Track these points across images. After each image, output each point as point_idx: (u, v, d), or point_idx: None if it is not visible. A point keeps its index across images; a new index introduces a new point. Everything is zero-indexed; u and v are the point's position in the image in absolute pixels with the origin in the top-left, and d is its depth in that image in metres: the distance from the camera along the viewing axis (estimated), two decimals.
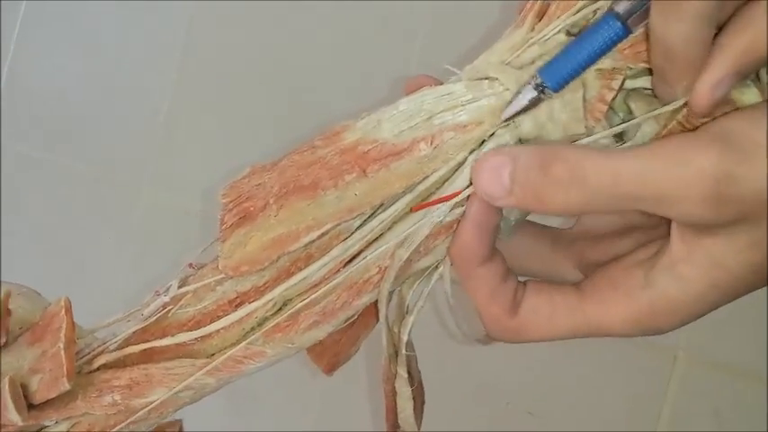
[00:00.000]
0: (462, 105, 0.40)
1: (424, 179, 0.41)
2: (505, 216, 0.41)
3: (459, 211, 0.41)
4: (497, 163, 0.38)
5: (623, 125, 0.38)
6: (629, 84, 0.38)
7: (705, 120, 0.36)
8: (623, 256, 0.39)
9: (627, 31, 0.36)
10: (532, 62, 0.39)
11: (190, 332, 0.44)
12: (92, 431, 0.46)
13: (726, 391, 0.75)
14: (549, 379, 0.82)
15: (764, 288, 0.37)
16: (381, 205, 0.41)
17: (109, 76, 0.92)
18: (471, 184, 0.39)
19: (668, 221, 0.37)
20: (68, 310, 0.45)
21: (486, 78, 0.40)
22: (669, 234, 0.37)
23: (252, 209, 0.42)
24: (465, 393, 0.80)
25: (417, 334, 0.44)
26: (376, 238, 0.42)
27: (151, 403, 0.45)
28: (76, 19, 0.91)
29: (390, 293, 0.43)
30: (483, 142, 0.40)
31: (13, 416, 0.44)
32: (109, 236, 0.89)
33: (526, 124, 0.39)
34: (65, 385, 0.43)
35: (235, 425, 0.87)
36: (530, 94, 0.38)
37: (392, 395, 0.45)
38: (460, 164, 0.40)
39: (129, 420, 0.45)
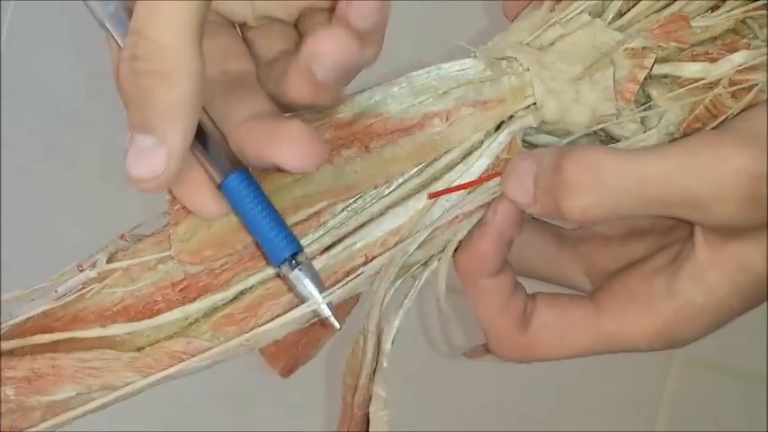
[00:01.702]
0: (482, 82, 0.36)
1: (435, 160, 0.36)
2: None
3: (469, 201, 0.36)
4: (524, 168, 0.35)
5: (653, 112, 0.36)
6: (655, 69, 0.36)
7: (736, 104, 0.35)
8: (638, 263, 0.36)
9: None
10: (552, 43, 0.37)
11: (128, 323, 0.35)
12: None
13: (724, 393, 0.73)
14: (543, 382, 0.76)
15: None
16: (384, 184, 0.36)
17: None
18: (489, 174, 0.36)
19: (684, 225, 0.35)
20: None
21: (503, 58, 0.37)
22: (686, 238, 0.35)
23: None
24: (458, 397, 0.72)
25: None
26: (363, 224, 0.37)
27: (54, 403, 0.35)
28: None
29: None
30: (501, 125, 0.37)
31: None
32: None
33: (550, 106, 0.36)
34: None
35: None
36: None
37: (362, 422, 0.39)
38: (475, 147, 0.36)
39: (18, 424, 0.35)
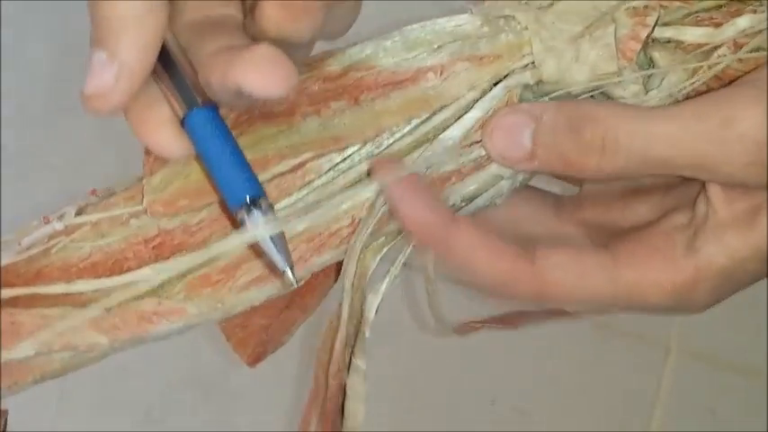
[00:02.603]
0: (478, 38, 0.35)
1: (429, 118, 0.34)
2: (508, 177, 0.35)
3: (462, 160, 0.34)
4: (516, 122, 0.34)
5: (655, 71, 0.35)
6: (658, 32, 0.35)
7: (741, 68, 0.34)
8: (654, 222, 0.34)
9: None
10: (552, 3, 0.35)
11: (95, 280, 0.33)
12: None
13: (722, 388, 0.70)
14: (536, 374, 0.73)
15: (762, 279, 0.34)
16: (374, 139, 0.34)
17: None
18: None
19: (693, 183, 0.34)
20: None
21: (501, 17, 0.35)
22: (695, 196, 0.34)
23: None
24: (447, 390, 0.69)
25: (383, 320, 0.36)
26: (350, 184, 0.35)
27: (11, 362, 0.32)
28: None
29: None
30: (497, 84, 0.35)
31: None
32: None
33: (549, 64, 0.34)
34: None
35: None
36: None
37: (337, 395, 0.36)
38: (470, 106, 0.35)
39: None
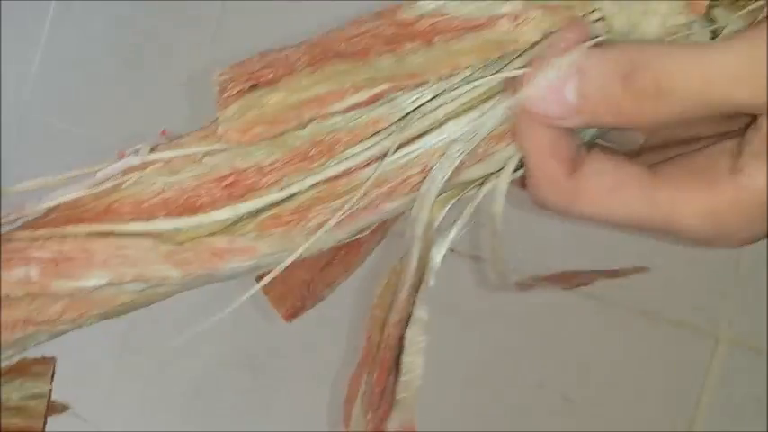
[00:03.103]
0: None
1: (504, 66, 0.35)
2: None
3: None
4: (556, 77, 0.33)
5: (722, 24, 0.35)
6: None
7: None
8: (705, 147, 0.34)
9: None
10: None
11: (172, 218, 0.32)
12: None
13: None
14: (582, 362, 0.71)
15: None
16: (449, 78, 0.34)
17: None
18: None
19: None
20: None
21: None
22: (749, 124, 0.33)
23: (270, 75, 0.34)
24: (494, 371, 0.68)
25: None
26: (424, 132, 0.35)
27: (81, 291, 0.31)
28: None
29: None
30: None
31: None
32: None
33: (619, 17, 0.35)
34: None
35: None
36: None
37: (394, 346, 0.35)
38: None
39: (30, 318, 0.32)
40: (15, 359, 0.33)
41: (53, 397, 0.36)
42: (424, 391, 0.36)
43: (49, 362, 0.37)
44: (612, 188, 0.33)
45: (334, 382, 0.78)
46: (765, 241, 0.34)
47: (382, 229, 0.40)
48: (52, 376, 0.37)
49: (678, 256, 0.68)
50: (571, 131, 0.34)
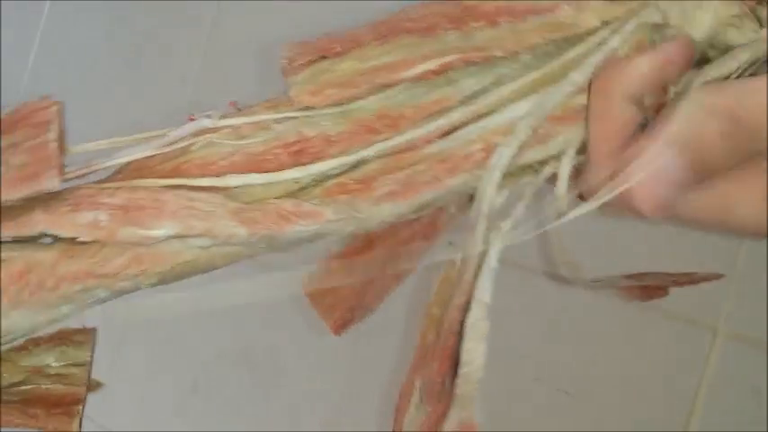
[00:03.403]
0: None
1: (572, 44, 0.36)
2: None
3: None
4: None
5: None
6: None
7: None
8: None
9: None
10: None
11: (241, 175, 0.33)
12: (27, 273, 0.31)
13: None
14: (580, 355, 0.68)
15: None
16: (514, 55, 0.35)
17: None
18: None
19: None
20: (61, 111, 0.32)
21: None
22: None
23: (338, 48, 0.35)
24: (492, 368, 0.64)
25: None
26: (487, 112, 0.35)
27: (147, 240, 0.31)
28: None
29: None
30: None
31: None
32: None
33: (673, 11, 0.36)
34: (52, 181, 0.30)
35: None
36: None
37: (457, 332, 0.35)
38: (603, 41, 0.36)
39: (92, 270, 0.31)
40: (71, 317, 0.32)
41: None
42: None
43: (89, 332, 0.36)
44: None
45: (333, 378, 0.76)
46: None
47: (433, 235, 0.40)
48: (93, 347, 0.36)
49: (677, 248, 0.68)
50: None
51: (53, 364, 0.35)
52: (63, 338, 0.35)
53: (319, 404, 0.78)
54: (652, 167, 0.32)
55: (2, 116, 0.32)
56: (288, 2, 0.88)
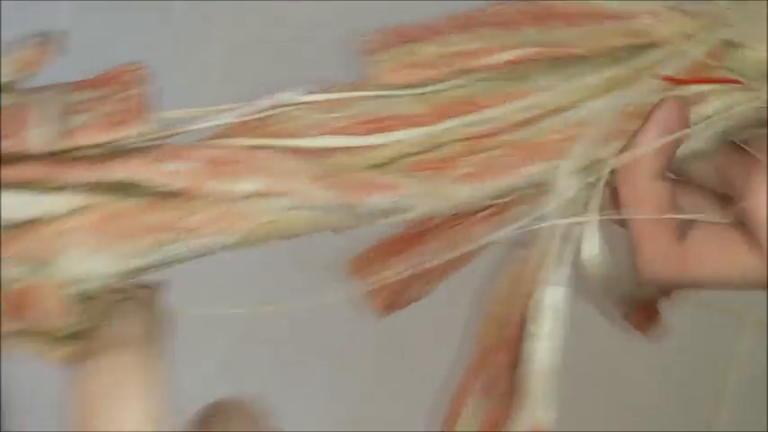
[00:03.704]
0: None
1: (647, 50, 0.36)
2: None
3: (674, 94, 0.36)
4: None
5: None
6: None
7: None
8: None
9: None
10: None
11: (332, 136, 0.33)
12: (113, 219, 0.31)
13: None
14: (609, 344, 0.65)
15: None
16: (595, 56, 0.36)
17: None
18: None
19: None
20: (147, 74, 0.34)
21: None
22: None
23: (417, 34, 0.36)
24: None
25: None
26: (564, 106, 0.36)
27: (226, 195, 0.32)
28: None
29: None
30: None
31: (37, 133, 0.30)
32: None
33: (747, 33, 0.37)
34: (141, 126, 0.31)
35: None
36: None
37: (519, 323, 0.35)
38: (682, 51, 0.37)
39: (172, 222, 0.32)
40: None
41: None
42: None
43: (159, 285, 0.36)
44: (722, 248, 0.35)
45: (360, 364, 0.74)
46: None
47: (495, 227, 0.40)
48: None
49: None
50: (674, 203, 0.36)
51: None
52: (131, 291, 0.35)
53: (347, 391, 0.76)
54: None
55: (93, 77, 0.34)
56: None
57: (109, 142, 0.31)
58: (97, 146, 0.31)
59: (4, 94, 0.32)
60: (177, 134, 0.33)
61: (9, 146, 0.30)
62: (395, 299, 0.38)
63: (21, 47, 0.33)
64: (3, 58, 0.32)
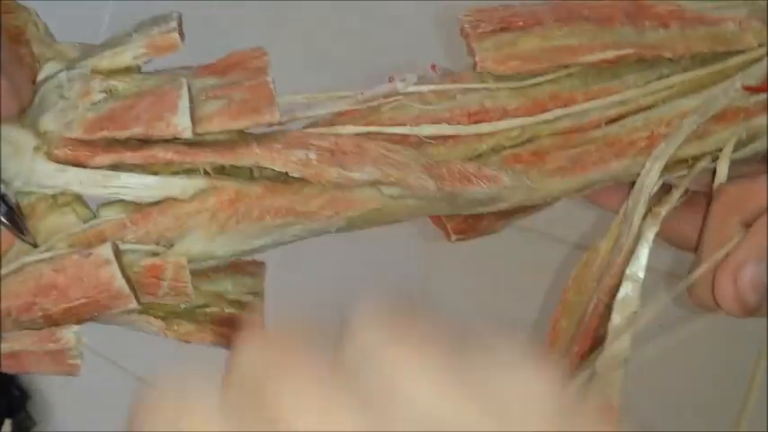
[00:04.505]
0: None
1: (731, 56, 0.38)
2: None
3: (753, 101, 0.38)
4: None
5: None
6: None
7: None
8: None
9: None
10: None
11: (436, 125, 0.35)
12: (236, 202, 0.33)
13: None
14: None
15: None
16: (679, 60, 0.38)
17: None
18: None
19: None
20: (269, 64, 0.35)
21: None
22: None
23: (520, 23, 0.37)
24: None
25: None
26: (653, 104, 0.38)
27: (350, 182, 0.34)
28: None
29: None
30: None
31: (183, 119, 0.32)
32: None
33: None
34: (273, 115, 0.32)
35: None
36: None
37: (599, 314, 0.37)
38: (757, 59, 0.39)
39: (292, 206, 0.34)
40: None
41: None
42: None
43: (261, 264, 0.38)
44: None
45: None
46: None
47: None
48: (263, 279, 0.38)
49: None
50: None
51: (231, 291, 0.37)
52: (237, 268, 0.37)
53: None
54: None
55: (214, 62, 0.35)
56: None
57: (241, 129, 0.32)
58: (227, 131, 0.33)
59: (131, 76, 0.34)
60: (297, 119, 0.35)
61: (155, 131, 0.31)
62: (468, 225, 0.39)
63: (147, 30, 0.34)
64: (133, 41, 0.33)
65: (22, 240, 0.32)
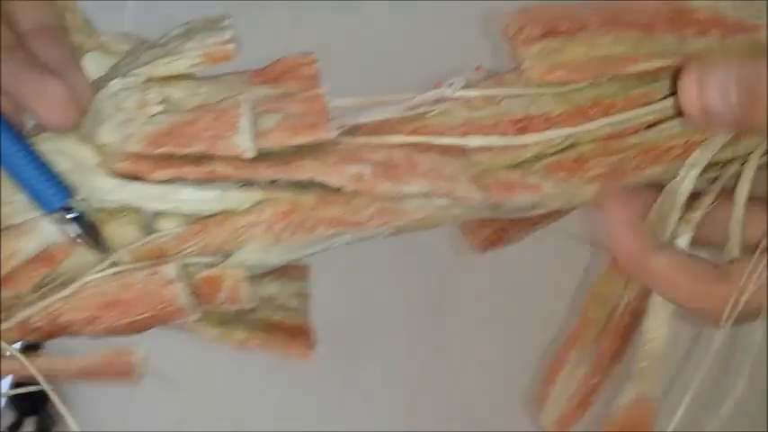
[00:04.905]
0: None
1: None
2: None
3: None
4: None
5: None
6: None
7: None
8: None
9: None
10: None
11: (482, 136, 0.36)
12: (291, 213, 0.34)
13: None
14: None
15: None
16: None
17: None
18: None
19: None
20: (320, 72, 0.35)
21: None
22: None
23: (564, 27, 0.37)
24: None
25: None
26: None
27: (399, 195, 0.34)
28: None
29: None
30: None
31: (245, 140, 0.32)
32: None
33: None
34: (329, 132, 0.33)
35: None
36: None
37: (631, 311, 0.39)
38: None
39: (344, 217, 0.34)
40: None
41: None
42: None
43: (304, 267, 0.39)
44: (686, 276, 0.36)
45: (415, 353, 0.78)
46: None
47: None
48: (308, 281, 0.39)
49: None
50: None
51: (277, 294, 0.38)
52: (282, 272, 0.38)
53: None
54: None
55: (265, 67, 0.35)
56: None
57: (298, 145, 0.33)
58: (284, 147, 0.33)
59: (186, 82, 0.34)
60: (348, 127, 0.35)
61: (216, 150, 0.32)
62: (495, 236, 0.41)
63: (203, 38, 0.34)
64: (188, 50, 0.33)
65: (98, 253, 0.32)
